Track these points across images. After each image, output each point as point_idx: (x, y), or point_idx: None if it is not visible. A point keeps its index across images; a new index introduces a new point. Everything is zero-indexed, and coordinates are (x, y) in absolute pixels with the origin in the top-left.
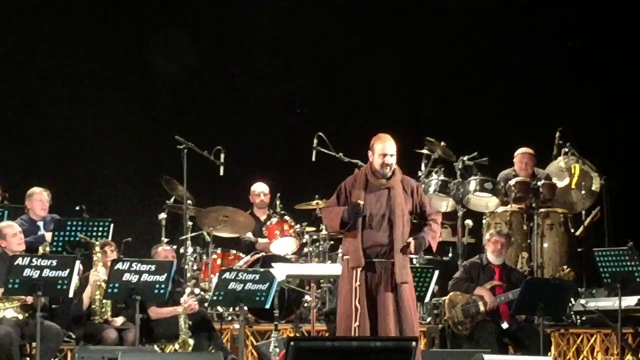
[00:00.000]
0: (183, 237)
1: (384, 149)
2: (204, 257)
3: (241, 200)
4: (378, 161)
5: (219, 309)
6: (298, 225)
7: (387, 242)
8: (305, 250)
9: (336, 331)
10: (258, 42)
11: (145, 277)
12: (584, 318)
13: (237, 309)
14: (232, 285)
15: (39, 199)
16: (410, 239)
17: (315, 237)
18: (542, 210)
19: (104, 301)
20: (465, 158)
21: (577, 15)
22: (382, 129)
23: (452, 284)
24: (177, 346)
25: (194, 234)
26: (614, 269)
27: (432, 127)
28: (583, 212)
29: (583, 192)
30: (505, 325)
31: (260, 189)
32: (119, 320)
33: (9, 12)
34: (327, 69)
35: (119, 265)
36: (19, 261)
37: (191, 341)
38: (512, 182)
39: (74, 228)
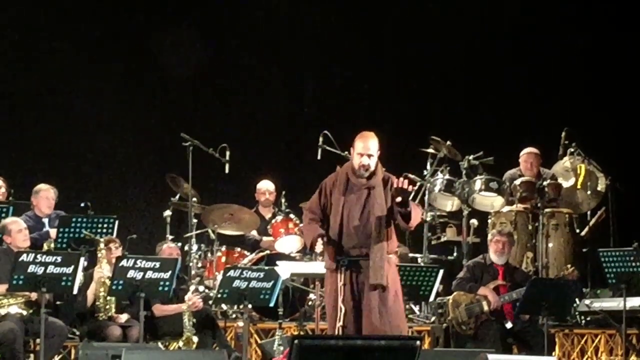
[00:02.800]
0: (188, 235)
1: (362, 148)
2: (209, 254)
3: (246, 198)
4: (356, 160)
5: (224, 306)
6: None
7: (366, 242)
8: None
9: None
10: (264, 40)
11: (149, 274)
12: (588, 318)
13: (241, 306)
14: (236, 283)
15: (45, 196)
16: (405, 182)
17: None
18: (547, 210)
19: (108, 298)
20: (470, 157)
21: (583, 13)
22: (388, 128)
23: (455, 284)
24: (181, 343)
25: (198, 231)
26: (619, 270)
27: (438, 126)
28: (588, 213)
29: (588, 192)
30: (509, 325)
31: (266, 186)
32: (123, 317)
33: (15, 8)
34: (333, 67)
35: (124, 262)
36: (24, 257)
37: (195, 339)
38: (517, 181)
39: (78, 225)
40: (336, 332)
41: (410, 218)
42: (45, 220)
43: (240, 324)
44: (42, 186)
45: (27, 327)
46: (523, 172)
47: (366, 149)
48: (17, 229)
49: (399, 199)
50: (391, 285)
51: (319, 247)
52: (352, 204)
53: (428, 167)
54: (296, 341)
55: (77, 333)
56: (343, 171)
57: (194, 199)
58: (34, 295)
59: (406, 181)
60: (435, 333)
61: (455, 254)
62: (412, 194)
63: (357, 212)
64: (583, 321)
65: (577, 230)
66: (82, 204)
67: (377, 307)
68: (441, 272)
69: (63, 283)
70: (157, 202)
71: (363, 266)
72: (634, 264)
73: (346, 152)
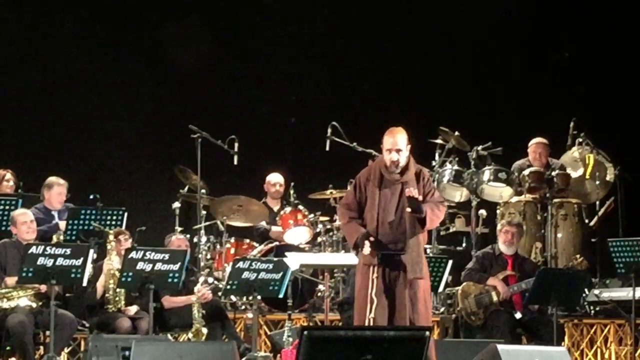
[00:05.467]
0: (197, 227)
1: (390, 144)
2: (218, 246)
3: (255, 190)
4: (386, 157)
5: (233, 298)
6: (312, 215)
7: (402, 237)
8: (319, 239)
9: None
10: (273, 31)
11: (159, 266)
12: (597, 308)
13: (250, 298)
14: (245, 275)
15: (58, 192)
16: (414, 191)
17: (328, 226)
18: (556, 200)
19: (118, 290)
20: (479, 148)
21: (590, 3)
22: (397, 118)
23: (465, 274)
24: (190, 335)
25: (207, 223)
26: (628, 260)
27: (446, 117)
28: (597, 203)
29: (597, 182)
30: (518, 316)
31: (276, 179)
32: (133, 309)
33: (21, 1)
34: (342, 58)
35: (133, 254)
36: (33, 250)
37: (205, 330)
38: (526, 172)
39: (88, 217)
40: (367, 324)
41: (425, 223)
42: (55, 213)
43: (250, 315)
44: (56, 181)
45: (36, 320)
46: (532, 162)
47: (394, 144)
48: (22, 220)
49: (408, 209)
50: (424, 278)
51: (366, 249)
52: (388, 199)
53: (437, 157)
54: (305, 332)
55: (87, 325)
56: (376, 166)
57: (203, 191)
58: (43, 288)
59: (415, 190)
60: (444, 323)
61: (464, 244)
62: (422, 211)
63: (393, 207)
64: (592, 311)
65: (586, 221)
66: (91, 196)
67: (410, 301)
68: (450, 262)
69: (72, 275)
70: (166, 194)
71: (396, 261)
72: None
73: (355, 144)
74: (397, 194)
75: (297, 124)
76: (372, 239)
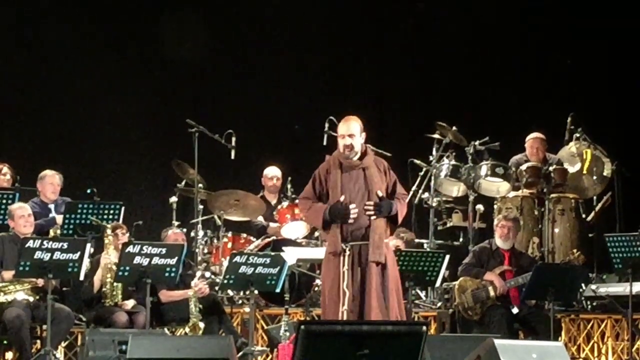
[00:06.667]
0: (194, 221)
1: (343, 130)
2: (215, 240)
3: (252, 184)
4: (340, 143)
5: (230, 292)
6: None
7: (368, 223)
8: (316, 234)
9: (322, 317)
10: (270, 25)
11: (156, 260)
12: (594, 303)
13: (247, 292)
14: (242, 269)
15: (50, 182)
16: (380, 193)
17: None
18: (553, 195)
19: (115, 284)
20: (476, 143)
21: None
22: (394, 114)
23: (461, 269)
24: (187, 329)
25: (204, 217)
26: (625, 255)
27: (444, 111)
28: (594, 198)
29: (594, 177)
30: (515, 310)
31: (273, 172)
32: (130, 303)
33: None
34: (339, 52)
35: (130, 249)
36: (30, 244)
37: (201, 324)
38: (523, 167)
39: (85, 211)
40: (340, 317)
41: (397, 220)
42: (52, 207)
43: (247, 309)
44: (47, 172)
45: (33, 314)
46: (529, 157)
47: (347, 130)
48: (20, 214)
49: (373, 217)
50: (391, 269)
51: (353, 212)
52: (351, 185)
53: (434, 152)
54: (302, 327)
55: (84, 319)
56: (334, 157)
57: (200, 185)
58: (40, 282)
59: (371, 206)
60: (441, 318)
61: (461, 239)
62: (384, 209)
63: (355, 192)
64: (589, 306)
65: (583, 216)
66: (88, 190)
67: (377, 288)
68: (447, 257)
69: (69, 269)
70: (163, 188)
71: (364, 250)
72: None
73: None
74: (360, 180)
75: (297, 124)
76: (343, 197)
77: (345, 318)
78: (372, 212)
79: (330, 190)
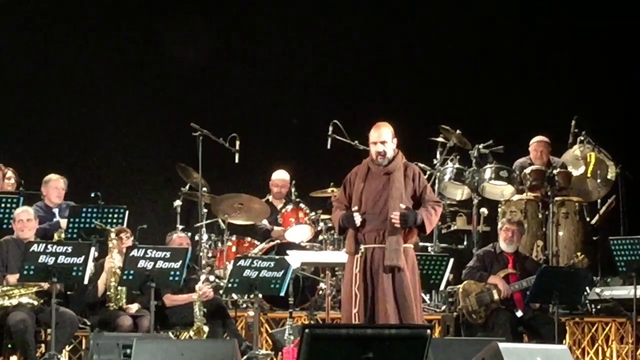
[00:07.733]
0: (198, 225)
1: (375, 137)
2: (219, 244)
3: (256, 188)
4: (372, 150)
5: (234, 296)
6: (313, 213)
7: (384, 228)
8: (320, 237)
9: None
10: (274, 28)
11: (160, 264)
12: (599, 307)
13: (251, 296)
14: (247, 273)
15: (55, 186)
16: (403, 206)
17: (330, 224)
18: (557, 198)
19: (119, 288)
20: (480, 146)
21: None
22: (398, 117)
23: (465, 272)
24: (191, 333)
25: (209, 221)
26: (630, 258)
27: (448, 115)
28: (598, 201)
29: (598, 180)
30: (519, 314)
31: (282, 180)
32: (134, 307)
33: None
34: (343, 56)
35: (134, 252)
36: (34, 248)
37: (206, 328)
38: (527, 170)
39: (89, 215)
40: (353, 319)
41: (424, 230)
42: (56, 211)
43: (251, 313)
44: (51, 176)
45: (38, 317)
46: (533, 160)
47: (378, 137)
48: (18, 219)
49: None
50: (410, 273)
51: (357, 217)
52: (371, 191)
53: (438, 156)
54: (307, 330)
55: (88, 323)
56: (365, 162)
57: (204, 189)
58: (45, 286)
59: (397, 216)
60: (445, 322)
61: (465, 242)
62: (410, 219)
63: (376, 197)
64: (593, 309)
65: (588, 219)
66: (93, 194)
67: (392, 292)
68: (451, 261)
69: (74, 273)
70: (167, 192)
71: (378, 253)
72: None
73: (356, 142)
74: (382, 185)
75: (297, 124)
76: (355, 208)
77: (356, 320)
78: (397, 222)
79: (353, 194)
